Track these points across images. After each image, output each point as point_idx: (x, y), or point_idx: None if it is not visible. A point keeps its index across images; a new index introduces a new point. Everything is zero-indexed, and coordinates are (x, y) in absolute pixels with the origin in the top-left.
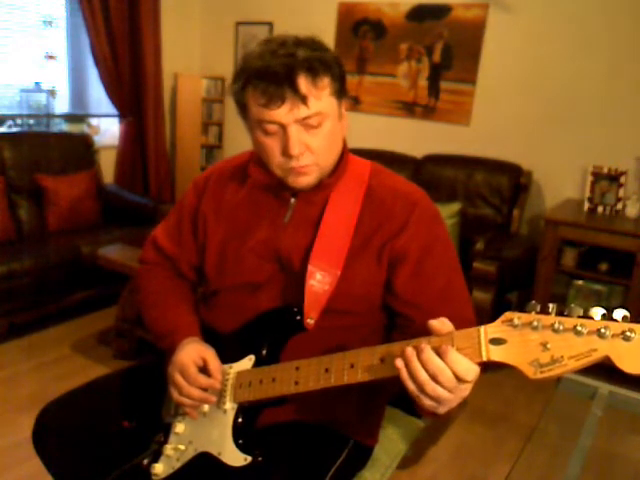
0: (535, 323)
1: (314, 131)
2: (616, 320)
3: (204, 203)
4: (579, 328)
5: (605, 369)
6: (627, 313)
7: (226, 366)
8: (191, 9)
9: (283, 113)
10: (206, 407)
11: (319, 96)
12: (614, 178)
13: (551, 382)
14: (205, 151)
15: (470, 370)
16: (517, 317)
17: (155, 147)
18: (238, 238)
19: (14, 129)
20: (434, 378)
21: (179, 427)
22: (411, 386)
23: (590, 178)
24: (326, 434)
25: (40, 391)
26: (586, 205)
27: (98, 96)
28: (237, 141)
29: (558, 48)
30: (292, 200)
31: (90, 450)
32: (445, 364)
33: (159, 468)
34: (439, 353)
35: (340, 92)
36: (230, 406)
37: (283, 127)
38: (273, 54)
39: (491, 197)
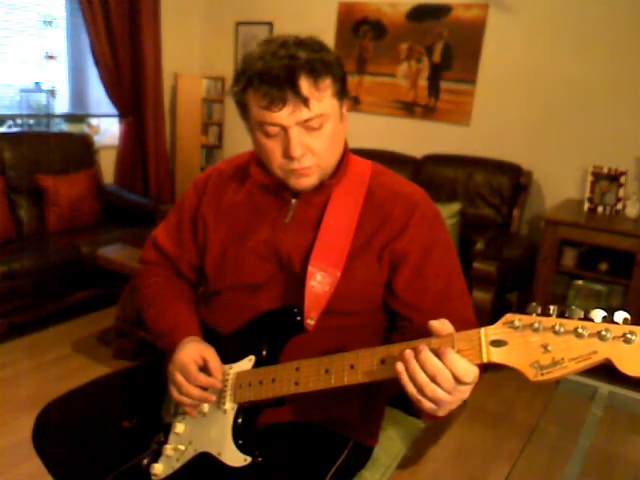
0: (536, 325)
1: (315, 133)
2: (617, 322)
3: (204, 204)
4: (580, 330)
5: (605, 370)
6: (628, 315)
7: (226, 366)
8: (191, 9)
9: (284, 115)
10: (206, 407)
11: (320, 98)
12: (614, 178)
13: (550, 382)
14: (205, 151)
15: (469, 371)
16: (518, 319)
17: (155, 147)
18: (238, 239)
19: (14, 129)
20: (433, 379)
21: (179, 427)
22: (411, 389)
23: (590, 178)
24: (326, 434)
25: (40, 391)
26: (586, 205)
27: (98, 96)
28: (237, 141)
29: (558, 48)
30: (293, 201)
31: (90, 450)
32: (444, 365)
33: (159, 468)
34: (438, 354)
35: (341, 93)
36: (230, 406)
37: (284, 129)
38: (274, 55)
39: (491, 197)
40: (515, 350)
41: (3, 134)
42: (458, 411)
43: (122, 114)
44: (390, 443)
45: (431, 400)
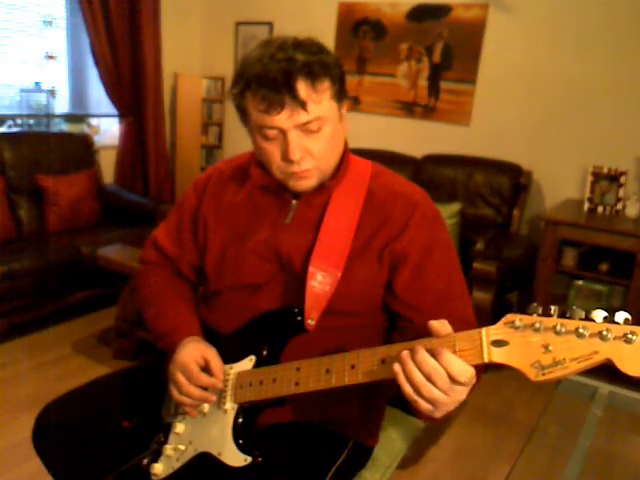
0: (537, 325)
1: (314, 135)
2: (618, 322)
3: (204, 204)
4: (581, 330)
5: (605, 369)
6: (628, 316)
7: (227, 366)
8: (191, 9)
9: (283, 119)
10: (206, 407)
11: (319, 100)
12: (614, 178)
13: (551, 382)
14: (205, 151)
15: (464, 370)
16: (519, 319)
17: (155, 147)
18: (239, 239)
19: (14, 129)
20: (429, 378)
21: (179, 427)
22: (408, 389)
23: (590, 178)
24: (326, 434)
25: (40, 391)
26: (586, 205)
27: (98, 96)
28: (237, 141)
29: (558, 48)
30: (293, 202)
31: (90, 450)
32: (439, 365)
33: (159, 468)
34: (434, 354)
35: (340, 94)
36: (230, 406)
37: (283, 132)
38: (272, 58)
39: (491, 197)
40: (516, 350)
41: (3, 134)
42: (457, 411)
43: (122, 114)
44: (390, 443)
45: (428, 400)
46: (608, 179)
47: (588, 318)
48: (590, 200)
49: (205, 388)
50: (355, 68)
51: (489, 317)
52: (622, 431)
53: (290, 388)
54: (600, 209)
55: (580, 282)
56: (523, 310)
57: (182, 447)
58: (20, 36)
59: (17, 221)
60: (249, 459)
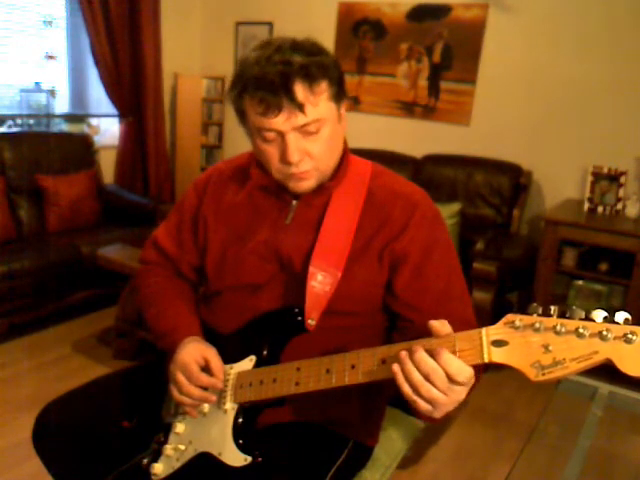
0: (537, 325)
1: (313, 137)
2: (618, 323)
3: (205, 204)
4: (581, 330)
5: (605, 369)
6: (628, 316)
7: (227, 366)
8: (191, 9)
9: (281, 121)
10: (206, 407)
11: (316, 102)
12: (614, 178)
13: (551, 382)
14: (205, 151)
15: (462, 370)
16: (519, 319)
17: (155, 147)
18: (239, 239)
19: (14, 129)
20: (427, 378)
21: (179, 427)
22: (407, 389)
23: (590, 178)
24: (326, 434)
25: (40, 391)
26: (586, 205)
27: (98, 96)
28: (237, 141)
29: (558, 48)
30: (293, 202)
31: (90, 450)
32: (438, 365)
33: (159, 468)
34: (432, 354)
35: (338, 95)
36: (230, 406)
37: (281, 135)
38: (269, 60)
39: (491, 197)
40: (516, 350)
41: (3, 134)
42: (457, 411)
43: (122, 114)
44: (390, 443)
45: (426, 400)
46: (608, 179)
47: (588, 318)
48: (590, 200)
49: (205, 388)
50: (355, 68)
51: (489, 317)
52: (622, 431)
53: (290, 388)
54: (600, 209)
55: (580, 282)
56: (523, 310)
57: (182, 447)
58: (20, 36)
59: (17, 221)
60: (249, 459)
